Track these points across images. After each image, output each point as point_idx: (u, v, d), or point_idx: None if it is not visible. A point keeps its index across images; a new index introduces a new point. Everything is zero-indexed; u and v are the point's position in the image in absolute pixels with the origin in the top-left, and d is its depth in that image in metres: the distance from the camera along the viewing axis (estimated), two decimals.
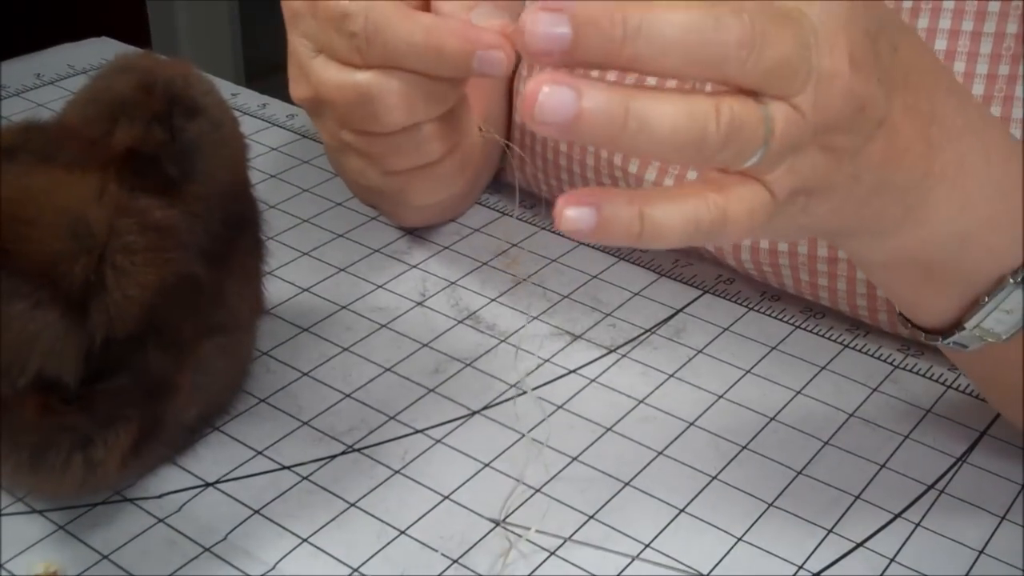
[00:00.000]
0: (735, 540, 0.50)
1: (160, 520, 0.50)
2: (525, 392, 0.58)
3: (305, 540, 0.49)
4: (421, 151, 0.46)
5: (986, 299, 0.44)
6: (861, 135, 0.38)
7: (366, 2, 0.38)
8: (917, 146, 0.40)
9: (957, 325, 0.46)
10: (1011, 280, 0.44)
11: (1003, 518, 0.51)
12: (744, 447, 0.55)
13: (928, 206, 0.41)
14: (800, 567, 0.48)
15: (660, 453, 0.54)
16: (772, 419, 0.56)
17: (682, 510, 0.51)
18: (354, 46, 0.39)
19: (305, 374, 0.59)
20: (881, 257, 0.45)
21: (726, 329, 0.63)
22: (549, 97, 0.33)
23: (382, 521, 0.50)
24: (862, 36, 0.37)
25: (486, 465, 0.53)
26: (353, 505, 0.51)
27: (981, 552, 0.49)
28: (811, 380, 0.59)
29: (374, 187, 0.53)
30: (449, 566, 0.48)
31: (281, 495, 0.51)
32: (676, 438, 0.55)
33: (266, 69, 2.58)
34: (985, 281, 0.44)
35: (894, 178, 0.40)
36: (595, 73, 0.36)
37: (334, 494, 0.52)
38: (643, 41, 0.34)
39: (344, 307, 0.64)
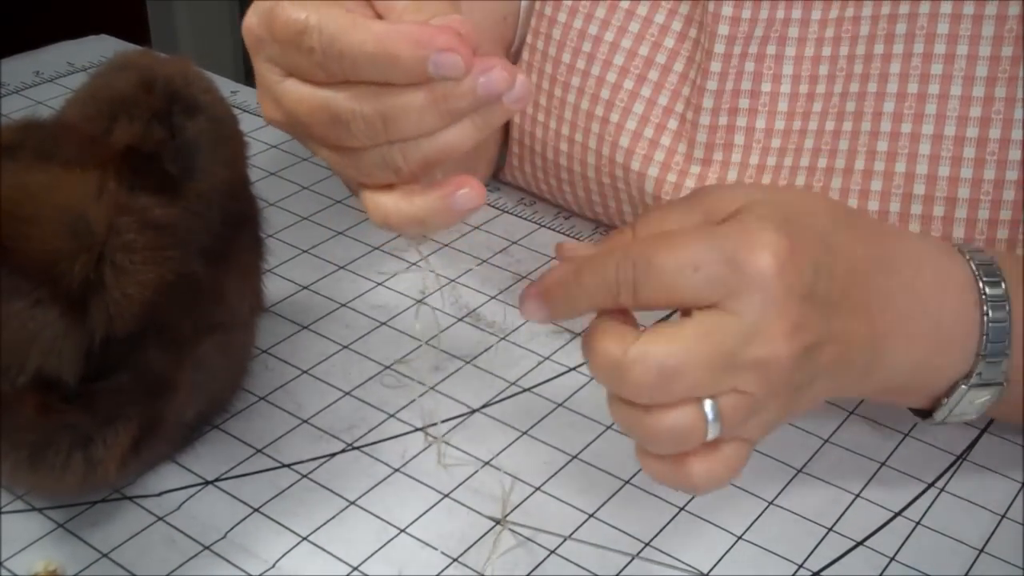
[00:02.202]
0: (735, 539, 0.50)
1: (160, 518, 0.50)
2: (525, 390, 0.58)
3: (305, 538, 0.49)
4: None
5: (945, 401, 0.49)
6: (810, 362, 0.42)
7: (320, 15, 0.38)
8: (861, 331, 0.44)
9: (929, 415, 0.50)
10: (963, 385, 0.48)
11: (1003, 516, 0.51)
12: None
13: (880, 362, 0.46)
14: (800, 566, 0.48)
15: None
16: None
17: (682, 508, 0.51)
18: (315, 62, 0.39)
19: (305, 372, 0.59)
20: (850, 398, 0.51)
21: None
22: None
23: (382, 519, 0.50)
24: (797, 305, 0.41)
25: (486, 463, 0.53)
26: (353, 503, 0.51)
27: (981, 551, 0.49)
28: None
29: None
30: (449, 564, 0.48)
31: (281, 493, 0.51)
32: None
33: None
34: (942, 390, 0.49)
35: (847, 364, 0.44)
36: None
37: (334, 492, 0.52)
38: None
39: (344, 305, 0.64)
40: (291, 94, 0.41)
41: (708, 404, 0.40)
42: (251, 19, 0.42)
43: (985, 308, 0.47)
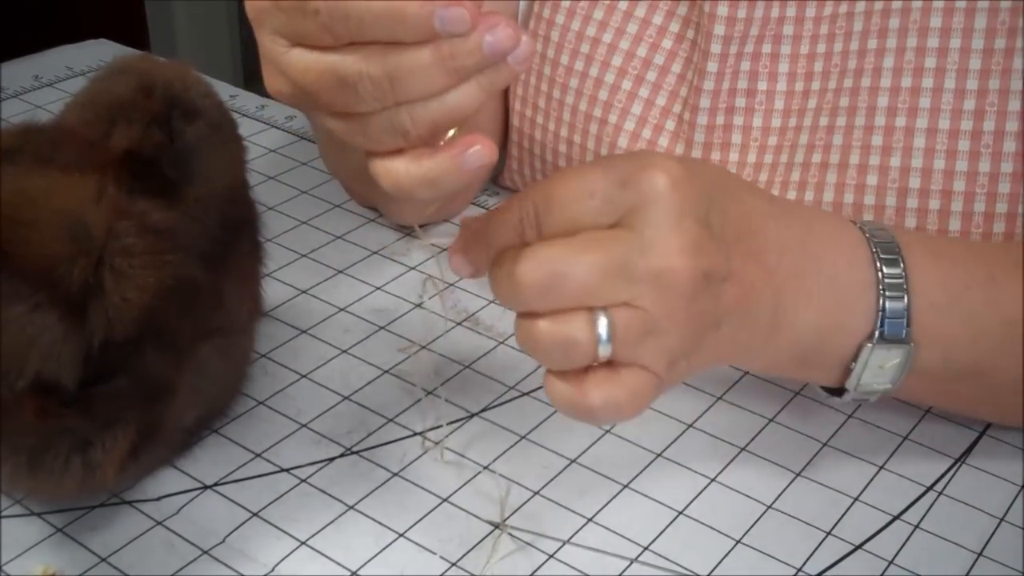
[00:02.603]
0: (734, 542, 0.50)
1: (159, 522, 0.50)
2: (524, 394, 0.58)
3: (303, 543, 0.49)
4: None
5: (853, 365, 0.49)
6: (711, 296, 0.43)
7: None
8: (760, 278, 0.46)
9: (842, 390, 0.51)
10: (868, 344, 0.48)
11: (1002, 519, 0.51)
12: (743, 448, 0.55)
13: (783, 317, 0.47)
14: (799, 569, 0.48)
15: (659, 455, 0.54)
16: (771, 420, 0.56)
17: (681, 512, 0.51)
18: (321, 25, 0.39)
19: (304, 376, 0.59)
20: (760, 366, 0.51)
21: None
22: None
23: (381, 524, 0.50)
24: (693, 224, 0.42)
25: (484, 468, 0.53)
26: (352, 508, 0.51)
27: (980, 554, 0.49)
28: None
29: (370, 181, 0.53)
30: (448, 568, 0.48)
31: (280, 497, 0.51)
32: (675, 440, 0.55)
33: None
34: (849, 354, 0.49)
35: (750, 311, 0.45)
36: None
37: (333, 496, 0.52)
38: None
39: (343, 309, 0.64)
40: (297, 63, 0.41)
41: (601, 317, 0.41)
42: None
43: (878, 264, 0.48)
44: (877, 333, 0.48)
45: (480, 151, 0.40)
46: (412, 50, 0.39)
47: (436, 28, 0.38)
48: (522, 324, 0.43)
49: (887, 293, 0.48)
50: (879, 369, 0.49)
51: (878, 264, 0.48)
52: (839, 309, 0.48)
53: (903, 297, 0.48)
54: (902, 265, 0.48)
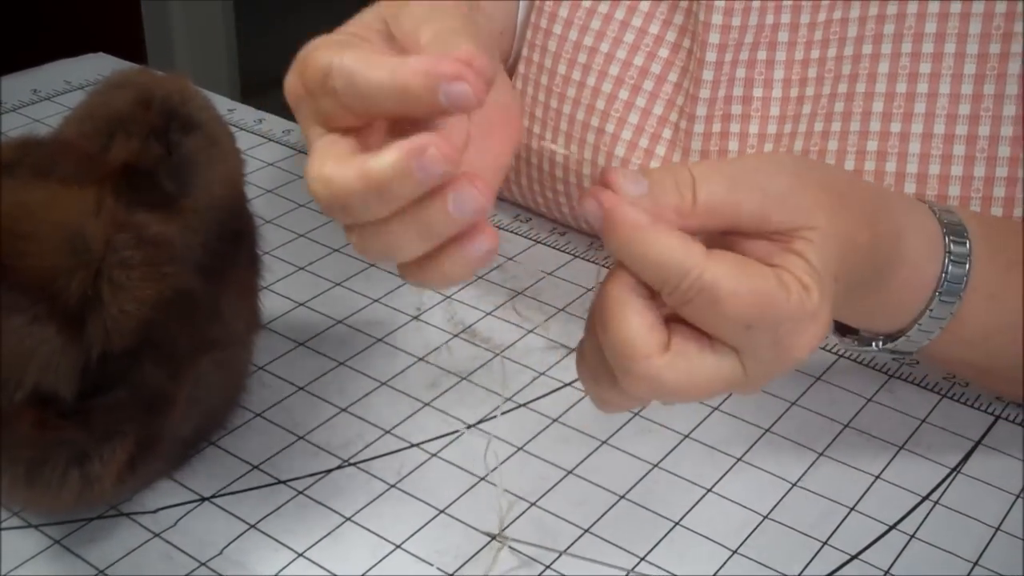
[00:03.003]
0: (730, 552, 0.50)
1: (156, 535, 0.50)
2: (521, 405, 0.58)
3: (301, 554, 0.49)
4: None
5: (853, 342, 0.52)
6: None
7: (342, 56, 0.38)
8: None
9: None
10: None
11: (998, 529, 0.51)
12: (739, 459, 0.55)
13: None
14: None
15: (655, 466, 0.54)
16: (767, 431, 0.57)
17: (677, 523, 0.51)
18: (340, 104, 0.39)
19: (301, 388, 0.59)
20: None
21: None
22: None
23: (377, 535, 0.50)
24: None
25: (481, 479, 0.53)
26: (349, 519, 0.51)
27: (976, 563, 0.49)
28: (806, 391, 0.59)
29: None
30: None
31: (277, 509, 0.52)
32: (671, 451, 0.55)
33: (262, 85, 2.59)
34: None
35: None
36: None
37: (330, 508, 0.52)
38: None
39: (340, 321, 0.64)
40: (310, 159, 0.40)
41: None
42: (290, 78, 0.41)
43: (940, 284, 0.48)
44: (893, 344, 0.50)
45: (484, 240, 0.39)
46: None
47: (441, 102, 0.38)
48: (598, 367, 0.41)
49: (921, 326, 0.49)
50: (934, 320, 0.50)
51: (935, 296, 0.49)
52: (876, 321, 0.50)
53: (933, 332, 0.50)
54: (958, 297, 0.49)
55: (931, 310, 0.49)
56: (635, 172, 0.40)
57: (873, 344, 0.51)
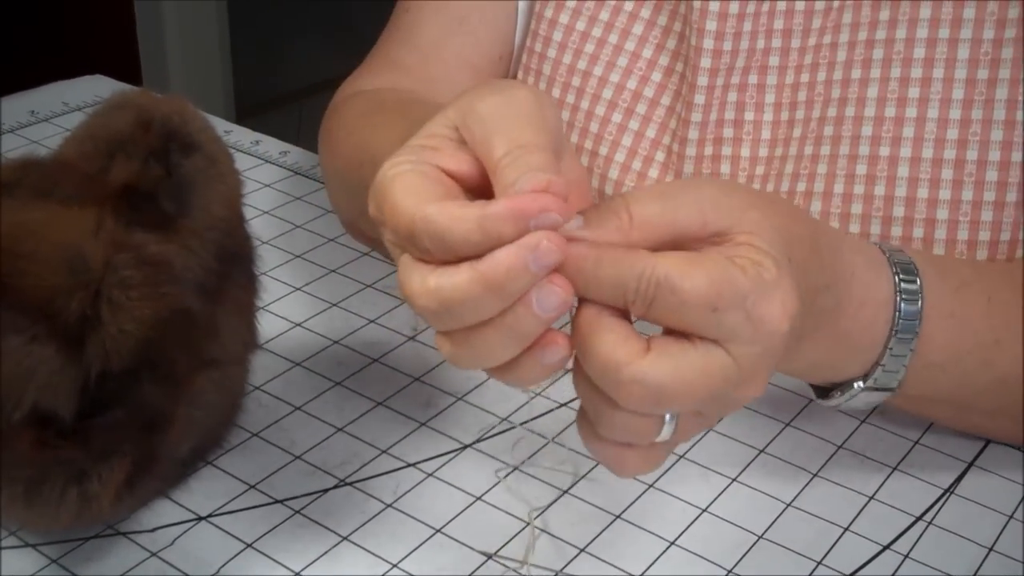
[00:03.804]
0: (726, 572, 0.50)
1: (153, 554, 0.50)
2: (516, 426, 0.58)
3: (297, 574, 0.49)
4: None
5: (837, 394, 0.51)
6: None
7: (420, 215, 0.39)
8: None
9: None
10: (856, 384, 0.50)
11: (991, 549, 0.51)
12: (734, 479, 0.55)
13: (791, 357, 0.46)
14: None
15: (651, 486, 0.55)
16: (761, 451, 0.57)
17: (672, 543, 0.51)
18: (431, 255, 0.40)
19: (298, 408, 0.59)
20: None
21: None
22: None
23: (374, 555, 0.50)
24: (784, 350, 0.41)
25: (477, 498, 0.54)
26: (345, 539, 0.51)
27: None
28: (800, 412, 0.60)
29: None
30: None
31: (273, 529, 0.52)
32: (666, 471, 0.56)
33: (258, 106, 2.60)
34: (834, 380, 0.51)
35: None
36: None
37: (326, 528, 0.52)
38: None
39: (336, 342, 0.65)
40: (400, 275, 0.42)
41: (668, 421, 0.41)
42: (371, 209, 0.43)
43: (898, 306, 0.48)
44: (872, 378, 0.49)
45: (554, 350, 0.40)
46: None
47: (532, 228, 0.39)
48: (592, 396, 0.41)
49: (892, 350, 0.49)
50: (859, 402, 0.51)
51: (896, 318, 0.48)
52: (842, 359, 0.49)
53: (905, 356, 0.49)
54: (918, 319, 0.49)
55: (891, 348, 0.49)
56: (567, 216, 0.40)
57: (855, 385, 0.50)
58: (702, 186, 0.42)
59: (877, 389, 0.50)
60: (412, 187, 0.40)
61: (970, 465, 0.56)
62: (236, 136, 0.89)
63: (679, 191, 0.41)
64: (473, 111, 0.42)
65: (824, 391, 0.52)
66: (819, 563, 0.50)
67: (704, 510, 0.53)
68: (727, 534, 0.52)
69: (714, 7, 0.64)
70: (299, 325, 0.66)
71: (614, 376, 0.39)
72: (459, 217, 0.39)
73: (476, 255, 0.39)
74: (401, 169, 0.41)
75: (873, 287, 0.48)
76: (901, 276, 0.49)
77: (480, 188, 0.41)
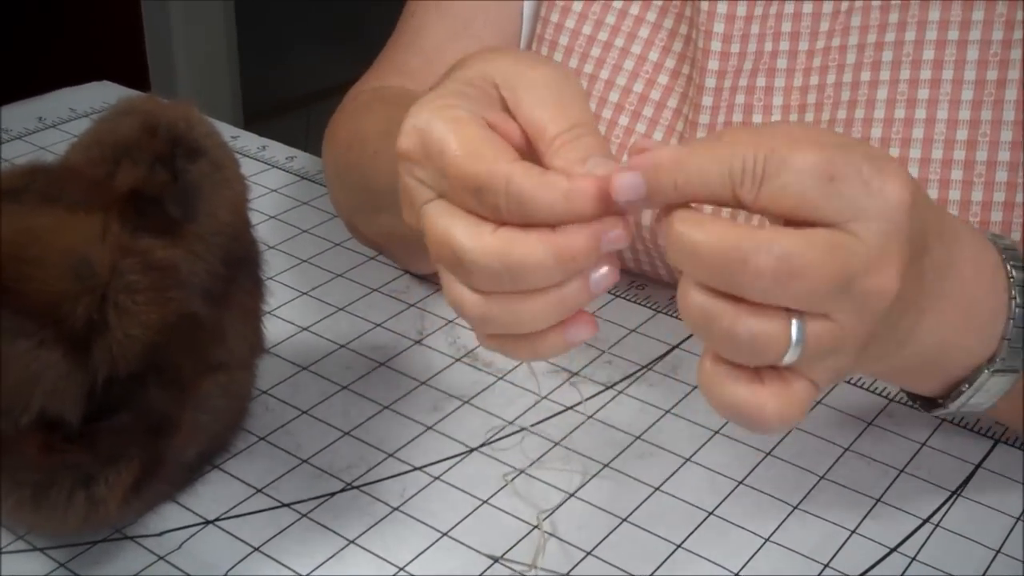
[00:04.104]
0: (732, 575, 0.50)
1: (160, 558, 0.50)
2: (523, 429, 0.58)
3: None
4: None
5: (965, 386, 0.48)
6: (890, 319, 0.41)
7: (502, 172, 0.39)
8: (915, 298, 0.43)
9: (940, 404, 0.50)
10: (986, 370, 0.47)
11: (998, 551, 0.51)
12: (740, 482, 0.55)
13: (915, 334, 0.44)
14: None
15: (657, 489, 0.55)
16: (768, 454, 0.57)
17: (679, 546, 0.51)
18: (492, 212, 0.40)
19: (304, 412, 0.59)
20: (869, 373, 0.49)
21: None
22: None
23: (381, 558, 0.50)
24: (909, 248, 0.39)
25: (484, 502, 0.54)
26: (352, 542, 0.51)
27: None
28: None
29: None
30: None
31: (280, 532, 0.52)
32: (673, 474, 0.56)
33: (265, 112, 2.61)
34: (963, 374, 0.48)
35: (897, 327, 0.43)
36: None
37: (333, 531, 0.52)
38: (675, 250, 0.39)
39: (343, 346, 0.65)
40: (447, 224, 0.41)
41: (795, 324, 0.38)
42: (406, 144, 0.42)
43: (1012, 292, 0.46)
44: (999, 359, 0.47)
45: (584, 328, 0.41)
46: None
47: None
48: (708, 302, 0.38)
49: (1014, 323, 0.46)
50: (986, 392, 0.48)
51: (1012, 293, 0.46)
52: (968, 333, 0.47)
53: None
54: None
55: (1013, 317, 0.46)
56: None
57: (984, 371, 0.47)
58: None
59: (1005, 371, 0.47)
60: (481, 138, 0.40)
61: (977, 468, 0.56)
62: (243, 141, 0.89)
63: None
64: (524, 76, 0.42)
65: (930, 401, 0.50)
66: (826, 566, 0.50)
67: (711, 513, 0.53)
68: (734, 537, 0.52)
69: (722, 9, 0.64)
70: (306, 329, 0.66)
71: (737, 252, 0.37)
72: (547, 184, 0.39)
73: (547, 224, 0.39)
74: (458, 114, 0.41)
75: (982, 249, 0.46)
76: (999, 240, 0.47)
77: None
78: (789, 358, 0.39)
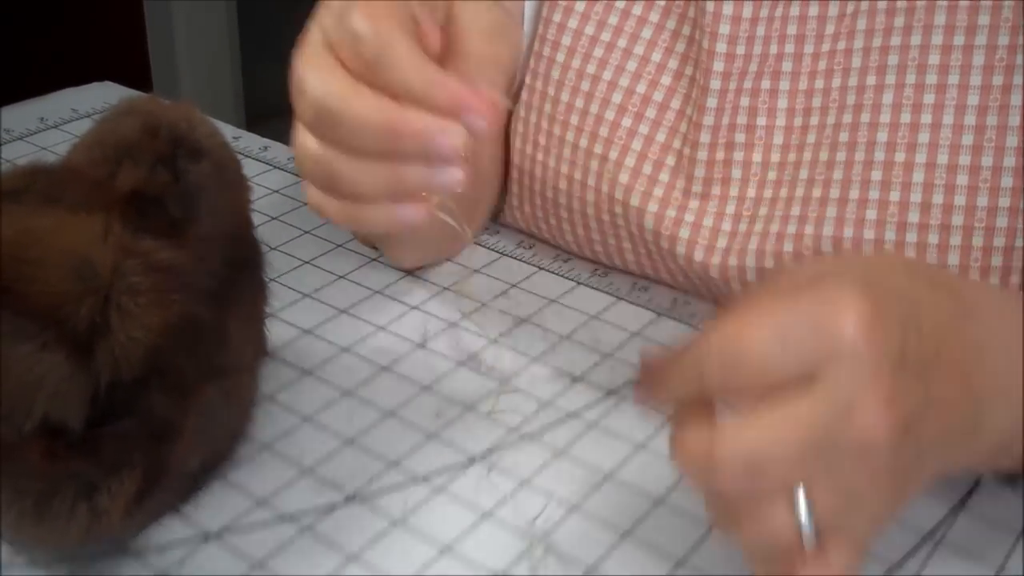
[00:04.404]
0: None
1: (162, 571, 0.49)
2: (526, 435, 0.58)
3: None
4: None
5: None
6: (913, 440, 0.39)
7: (383, 34, 0.42)
8: (961, 391, 0.41)
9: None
10: None
11: (1002, 567, 0.51)
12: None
13: (983, 420, 0.43)
14: None
15: (660, 501, 0.54)
16: None
17: (682, 559, 0.51)
18: (359, 62, 0.44)
19: (306, 419, 0.59)
20: (953, 469, 0.47)
21: None
22: None
23: (383, 572, 0.50)
24: (889, 371, 0.38)
25: (486, 514, 0.53)
26: (354, 555, 0.51)
27: None
28: None
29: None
30: None
31: (282, 544, 0.51)
32: (676, 484, 0.55)
33: (267, 112, 2.60)
34: None
35: (953, 429, 0.41)
36: None
37: (335, 543, 0.51)
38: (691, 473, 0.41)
39: (345, 349, 0.64)
40: (319, 66, 0.48)
41: (801, 504, 0.38)
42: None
43: None
44: None
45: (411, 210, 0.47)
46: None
47: (462, 120, 0.44)
48: (720, 512, 0.41)
49: None
50: None
51: None
52: None
53: None
54: None
55: None
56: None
57: None
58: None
59: None
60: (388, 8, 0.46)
61: (977, 483, 0.55)
62: (245, 142, 0.89)
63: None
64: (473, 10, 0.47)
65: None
66: None
67: (710, 530, 0.53)
68: (737, 551, 0.51)
69: (727, 11, 0.63)
70: (308, 332, 0.66)
71: (705, 467, 0.38)
72: (416, 64, 0.44)
73: (392, 93, 0.44)
74: None
75: (1017, 316, 0.45)
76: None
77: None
78: (809, 543, 0.38)
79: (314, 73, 0.47)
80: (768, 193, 0.64)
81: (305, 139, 0.48)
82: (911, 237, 0.59)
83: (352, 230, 0.47)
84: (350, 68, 0.46)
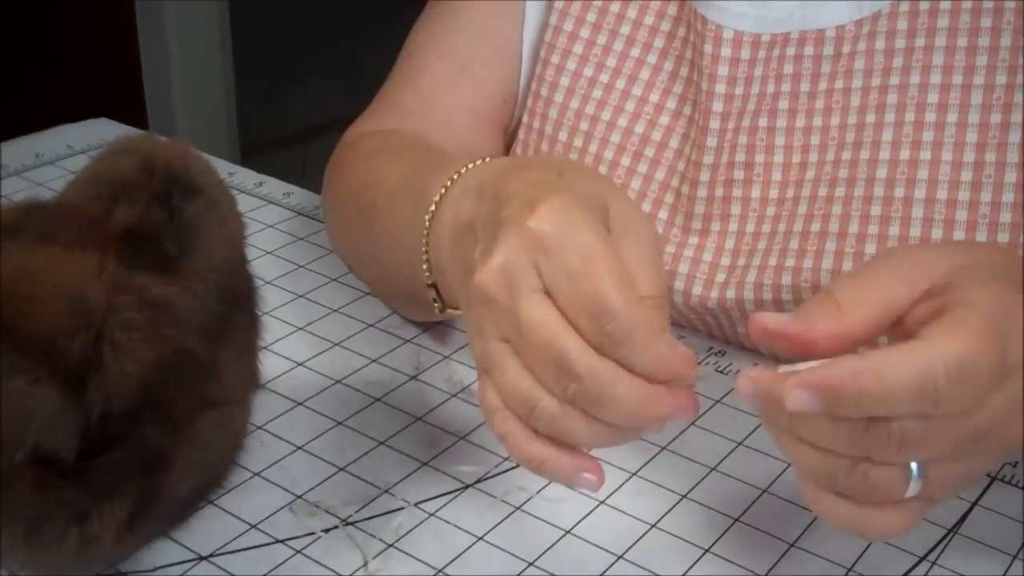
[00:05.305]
0: None
1: None
2: (518, 466, 0.58)
3: None
4: None
5: None
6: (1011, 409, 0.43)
7: (592, 359, 0.42)
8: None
9: None
10: None
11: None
12: (736, 519, 0.55)
13: None
14: None
15: (653, 526, 0.54)
16: (764, 491, 0.57)
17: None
18: (565, 388, 0.42)
19: (299, 448, 0.59)
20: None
21: (718, 401, 0.63)
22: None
23: None
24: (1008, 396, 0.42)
25: (479, 539, 0.54)
26: None
27: None
28: None
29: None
30: None
31: (274, 569, 0.51)
32: (669, 511, 0.55)
33: (262, 148, 2.62)
34: None
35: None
36: None
37: (327, 568, 0.52)
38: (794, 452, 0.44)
39: (338, 381, 0.65)
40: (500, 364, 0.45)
41: (914, 466, 0.42)
42: (488, 278, 0.44)
43: None
44: None
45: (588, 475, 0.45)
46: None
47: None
48: (826, 461, 0.43)
49: None
50: None
51: None
52: None
53: None
54: None
55: None
56: (778, 316, 0.43)
57: None
58: (893, 254, 0.45)
59: None
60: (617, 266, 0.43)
61: (973, 505, 0.56)
62: (240, 178, 0.89)
63: (873, 266, 0.45)
64: (635, 224, 0.45)
65: None
66: None
67: (707, 551, 0.53)
68: (731, 575, 0.52)
69: (725, 52, 0.64)
70: (301, 364, 0.66)
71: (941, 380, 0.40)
72: (630, 384, 0.42)
73: (602, 415, 0.43)
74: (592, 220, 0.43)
75: None
76: None
77: None
78: (911, 494, 0.42)
79: (563, 339, 0.43)
80: (767, 228, 0.64)
81: (542, 397, 0.44)
82: None
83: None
84: (569, 315, 0.42)
